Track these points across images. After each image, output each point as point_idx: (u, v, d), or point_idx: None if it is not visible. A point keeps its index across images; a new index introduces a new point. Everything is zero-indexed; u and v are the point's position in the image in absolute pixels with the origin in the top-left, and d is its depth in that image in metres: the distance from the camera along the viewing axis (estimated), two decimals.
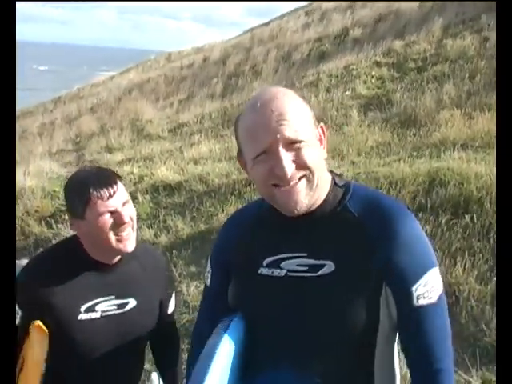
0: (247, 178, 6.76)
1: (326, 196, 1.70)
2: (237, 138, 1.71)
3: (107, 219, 2.07)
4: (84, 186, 2.06)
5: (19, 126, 18.51)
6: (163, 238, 6.28)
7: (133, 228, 2.13)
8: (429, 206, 5.12)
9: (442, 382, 1.58)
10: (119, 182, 2.13)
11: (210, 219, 6.33)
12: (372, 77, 10.70)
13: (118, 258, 2.19)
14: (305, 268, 1.66)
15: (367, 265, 1.61)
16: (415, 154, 6.71)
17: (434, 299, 1.59)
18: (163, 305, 2.37)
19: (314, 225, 1.69)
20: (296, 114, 1.59)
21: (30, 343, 2.11)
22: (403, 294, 1.59)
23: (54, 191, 8.30)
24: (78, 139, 13.30)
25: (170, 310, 2.42)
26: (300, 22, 20.36)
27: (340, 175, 1.79)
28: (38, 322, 2.08)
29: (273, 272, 1.71)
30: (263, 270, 1.73)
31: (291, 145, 1.57)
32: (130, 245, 2.13)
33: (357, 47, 13.18)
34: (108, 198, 2.07)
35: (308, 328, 1.66)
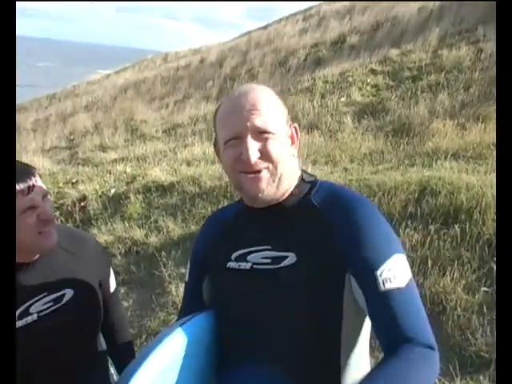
0: None
1: (293, 190, 1.77)
2: (214, 127, 1.80)
3: (29, 216, 1.88)
4: None
5: None
6: (154, 239, 6.28)
7: (53, 223, 1.97)
8: (419, 214, 5.15)
9: (411, 352, 1.52)
10: (37, 175, 1.95)
11: (201, 221, 6.33)
12: (367, 84, 10.75)
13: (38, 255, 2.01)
14: (268, 260, 1.72)
15: (327, 256, 1.65)
16: (407, 162, 6.75)
17: (401, 284, 1.59)
18: (103, 286, 2.22)
19: (279, 218, 1.75)
20: (268, 108, 1.70)
21: None
22: (368, 280, 1.60)
23: (47, 188, 8.29)
24: (72, 137, 13.29)
25: (112, 289, 2.28)
26: (297, 26, 20.40)
27: (312, 175, 1.87)
28: None
29: (240, 265, 1.77)
30: (231, 264, 1.79)
31: (259, 134, 1.67)
32: (52, 239, 1.96)
33: (353, 54, 13.25)
34: (28, 192, 1.87)
35: (271, 320, 1.69)
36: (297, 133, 1.80)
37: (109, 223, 6.75)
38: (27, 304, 1.96)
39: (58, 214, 7.47)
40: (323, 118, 9.36)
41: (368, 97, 10.25)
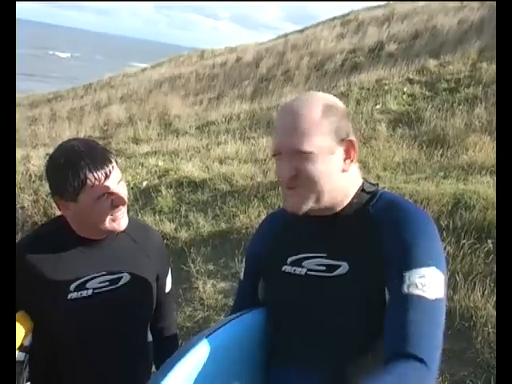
0: (272, 181, 6.78)
1: (351, 200, 1.78)
2: None
3: (104, 201, 1.95)
4: (78, 167, 1.90)
5: (50, 108, 18.68)
6: (183, 234, 6.31)
7: (125, 207, 2.04)
8: (451, 227, 5.11)
9: (411, 368, 1.48)
10: (113, 160, 2.00)
11: (231, 219, 6.35)
12: (403, 93, 10.68)
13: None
14: (323, 268, 1.75)
15: (378, 268, 1.64)
16: (442, 174, 6.69)
17: (428, 295, 1.55)
18: (160, 281, 2.26)
19: (335, 227, 1.77)
20: (308, 127, 1.69)
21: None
22: (394, 278, 1.60)
23: None
24: (106, 127, 13.39)
25: (167, 289, 2.32)
26: (335, 31, 20.34)
27: (373, 184, 1.86)
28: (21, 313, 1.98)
29: (295, 270, 1.80)
30: (286, 268, 1.82)
31: (296, 154, 1.69)
32: (123, 223, 2.04)
33: (390, 62, 13.15)
34: (105, 179, 1.93)
35: (322, 327, 1.72)
36: (353, 146, 1.77)
37: (139, 215, 6.79)
38: (85, 278, 2.02)
39: None
40: (357, 124, 9.31)
41: (403, 106, 10.18)
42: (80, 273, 2.02)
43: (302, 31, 25.30)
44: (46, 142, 12.46)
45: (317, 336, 1.72)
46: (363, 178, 1.85)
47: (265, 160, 7.87)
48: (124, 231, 2.10)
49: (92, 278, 2.03)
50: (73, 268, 2.01)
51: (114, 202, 1.97)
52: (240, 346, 1.81)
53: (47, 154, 9.72)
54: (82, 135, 12.77)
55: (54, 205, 7.59)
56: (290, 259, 1.82)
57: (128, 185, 7.61)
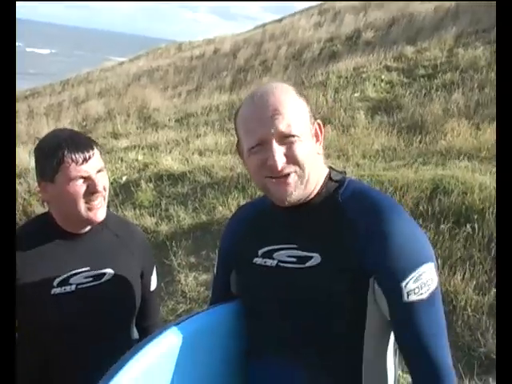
0: None
1: (319, 189, 1.76)
2: (235, 129, 1.78)
3: (79, 185, 1.95)
4: (57, 147, 1.94)
5: (27, 105, 18.53)
6: (164, 227, 6.30)
7: (104, 198, 2.04)
8: (430, 213, 5.14)
9: (441, 381, 1.59)
10: (96, 149, 2.02)
11: (211, 211, 6.34)
12: (381, 80, 10.71)
13: (89, 228, 2.07)
14: (294, 259, 1.72)
15: (351, 258, 1.64)
16: (420, 160, 6.73)
17: (424, 295, 1.60)
18: (144, 279, 2.25)
19: (305, 217, 1.74)
20: (291, 109, 1.67)
21: None
22: (393, 291, 1.61)
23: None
24: (85, 123, 13.32)
25: (153, 287, 2.31)
26: (312, 20, 20.34)
27: (342, 172, 1.84)
28: None
29: (266, 262, 1.78)
30: (257, 260, 1.80)
31: (284, 139, 1.64)
32: (100, 214, 2.02)
33: (368, 50, 13.19)
34: (82, 163, 1.95)
35: (294, 319, 1.71)
36: (320, 129, 1.77)
37: (120, 210, 6.76)
38: (69, 274, 2.02)
39: None
40: (336, 112, 9.33)
41: (382, 93, 10.21)
42: (64, 268, 2.02)
43: (279, 21, 25.23)
44: (24, 139, 12.34)
45: (292, 328, 1.71)
46: (329, 167, 1.83)
47: None
48: (106, 226, 2.12)
49: (76, 274, 2.03)
50: (56, 263, 2.01)
51: (90, 188, 1.96)
52: (211, 336, 1.80)
53: (29, 152, 9.66)
54: None
55: (32, 203, 7.55)
56: (260, 251, 1.80)
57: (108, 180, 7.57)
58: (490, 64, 9.84)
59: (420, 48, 11.93)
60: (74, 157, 1.93)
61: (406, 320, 1.61)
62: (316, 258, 1.68)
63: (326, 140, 6.67)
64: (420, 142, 7.49)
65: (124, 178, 7.62)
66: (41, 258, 2.00)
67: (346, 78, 11.31)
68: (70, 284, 2.01)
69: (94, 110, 14.31)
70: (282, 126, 1.64)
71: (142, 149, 9.08)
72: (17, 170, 8.77)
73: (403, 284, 1.60)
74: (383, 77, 10.83)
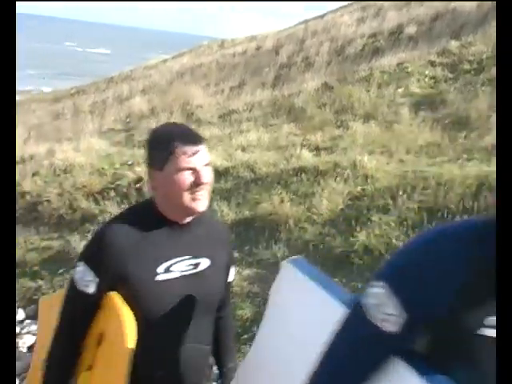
0: (295, 168, 6.79)
1: None
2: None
3: (186, 176, 2.04)
4: (170, 138, 2.06)
5: (72, 103, 18.81)
6: None
7: (208, 191, 2.11)
8: (476, 209, 5.09)
9: None
10: (203, 142, 2.12)
11: (254, 207, 6.38)
12: (425, 76, 10.60)
13: (190, 219, 2.15)
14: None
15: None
16: (465, 156, 6.66)
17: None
18: (228, 270, 2.38)
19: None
20: None
21: (109, 314, 2.07)
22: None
23: (103, 168, 8.46)
24: (128, 120, 13.46)
25: (231, 278, 2.43)
26: (355, 16, 20.20)
27: None
28: (114, 293, 2.05)
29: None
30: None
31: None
32: (202, 205, 2.10)
33: (411, 45, 13.05)
34: (192, 155, 2.04)
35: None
36: None
37: None
38: (173, 261, 2.12)
39: (114, 194, 7.62)
40: (379, 108, 9.28)
41: (426, 88, 10.11)
42: (166, 255, 2.11)
43: (321, 17, 25.13)
44: (69, 136, 12.56)
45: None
46: None
47: (287, 147, 7.88)
48: (202, 223, 2.22)
49: (179, 261, 2.13)
50: (160, 250, 2.10)
51: (196, 179, 2.05)
52: None
53: (72, 149, 9.83)
54: (104, 128, 12.87)
55: (78, 197, 7.69)
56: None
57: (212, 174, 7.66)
58: None
59: (465, 43, 11.75)
60: (184, 149, 2.03)
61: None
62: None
63: (369, 136, 6.67)
64: (465, 138, 7.41)
65: None
66: (145, 245, 2.08)
67: (390, 73, 11.22)
68: (173, 271, 2.11)
69: (138, 107, 14.45)
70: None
71: None
72: (63, 166, 8.95)
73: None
74: (427, 72, 10.71)
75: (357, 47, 15.28)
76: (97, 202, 7.61)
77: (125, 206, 7.21)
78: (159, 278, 2.08)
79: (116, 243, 2.05)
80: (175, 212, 2.13)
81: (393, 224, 5.36)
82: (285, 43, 19.27)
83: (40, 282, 6.46)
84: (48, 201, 7.99)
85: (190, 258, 2.16)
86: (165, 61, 28.27)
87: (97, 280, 2.04)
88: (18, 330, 5.81)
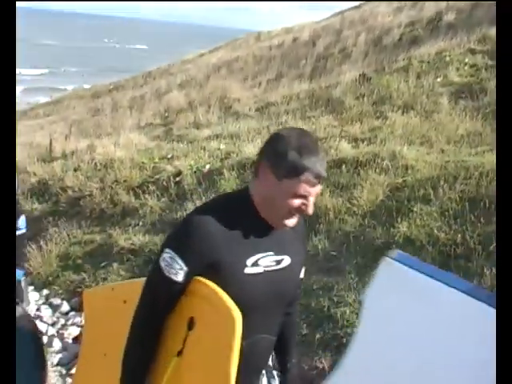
0: (334, 159, 6.77)
1: None
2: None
3: (297, 202, 2.04)
4: (304, 160, 2.00)
5: (111, 99, 19.01)
6: None
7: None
8: None
9: None
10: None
11: None
12: (465, 64, 10.44)
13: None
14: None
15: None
16: None
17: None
18: (301, 268, 2.38)
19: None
20: None
21: (206, 301, 2.07)
22: None
23: (143, 163, 8.53)
24: (167, 114, 13.54)
25: (302, 275, 2.43)
26: (392, 5, 20.00)
27: None
28: (207, 281, 2.05)
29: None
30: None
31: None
32: (292, 223, 2.13)
33: (450, 33, 12.86)
34: (312, 186, 2.03)
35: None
36: None
37: (203, 198, 6.87)
38: (259, 255, 2.12)
39: (153, 188, 7.68)
40: (419, 98, 9.18)
41: (466, 77, 9.96)
42: (256, 248, 2.11)
43: (358, 7, 24.94)
44: (108, 131, 12.70)
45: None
46: None
47: (325, 138, 7.85)
48: None
49: (264, 256, 2.13)
50: (250, 244, 2.10)
51: (304, 208, 2.07)
52: None
53: (112, 144, 9.94)
54: (143, 123, 12.98)
55: (119, 191, 7.77)
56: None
57: (191, 169, 7.71)
58: None
59: None
60: (310, 178, 2.01)
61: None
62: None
63: (408, 126, 6.59)
64: None
65: (207, 167, 7.74)
66: (237, 235, 2.07)
67: (428, 62, 11.08)
68: (259, 265, 2.11)
69: (176, 102, 14.53)
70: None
71: (224, 138, 9.19)
72: (103, 161, 9.05)
73: None
74: (467, 60, 10.55)
75: (394, 37, 15.15)
76: (137, 195, 7.69)
77: (165, 200, 7.29)
78: (247, 270, 2.08)
79: (208, 231, 2.04)
80: (268, 215, 2.13)
81: (434, 214, 5.31)
82: (321, 34, 19.20)
83: (83, 275, 6.56)
84: (90, 195, 8.09)
85: (274, 254, 2.16)
86: (202, 55, 28.40)
87: (186, 269, 2.04)
88: (63, 321, 5.95)
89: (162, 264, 2.06)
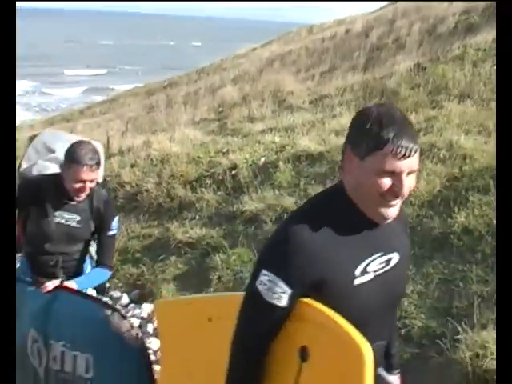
0: None
1: None
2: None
3: (386, 181, 1.78)
4: (383, 126, 1.75)
5: (166, 95, 19.22)
6: None
7: (403, 198, 1.84)
8: None
9: None
10: (418, 146, 1.79)
11: None
12: None
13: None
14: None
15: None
16: None
17: None
18: (409, 261, 2.22)
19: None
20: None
21: (312, 328, 1.84)
22: None
23: (198, 157, 8.60)
24: (221, 109, 13.62)
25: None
26: None
27: None
28: (315, 303, 1.82)
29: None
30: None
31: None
32: (393, 212, 1.86)
33: None
34: (401, 158, 1.75)
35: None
36: None
37: (259, 191, 6.92)
38: (368, 261, 1.89)
39: (210, 181, 7.75)
40: (475, 86, 9.02)
41: None
42: (362, 254, 1.88)
43: None
44: (164, 127, 12.84)
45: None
46: None
47: None
48: None
49: (372, 260, 1.89)
50: (355, 249, 1.87)
51: (396, 190, 1.80)
52: None
53: (167, 139, 10.06)
54: (198, 118, 13.08)
55: (176, 186, 7.88)
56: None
57: (246, 162, 7.76)
58: None
59: None
60: (395, 148, 1.74)
61: None
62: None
63: (465, 115, 6.49)
64: None
65: (262, 160, 7.77)
66: (340, 243, 1.84)
67: (485, 50, 10.86)
68: (368, 272, 1.87)
69: (230, 96, 14.59)
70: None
71: (278, 131, 9.19)
72: (159, 156, 9.18)
73: None
74: None
75: (449, 25, 14.91)
76: (194, 189, 7.77)
77: (221, 193, 7.35)
78: (357, 281, 1.84)
79: (308, 246, 1.79)
80: (363, 206, 1.87)
81: (493, 204, 5.24)
82: (374, 25, 19.02)
83: (142, 268, 6.68)
84: (147, 190, 8.21)
85: (382, 255, 1.92)
86: (254, 49, 28.46)
87: (289, 292, 1.79)
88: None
89: (261, 288, 1.81)
